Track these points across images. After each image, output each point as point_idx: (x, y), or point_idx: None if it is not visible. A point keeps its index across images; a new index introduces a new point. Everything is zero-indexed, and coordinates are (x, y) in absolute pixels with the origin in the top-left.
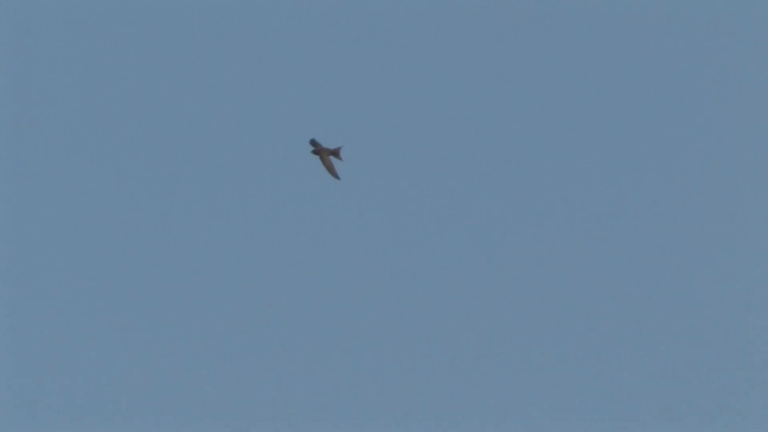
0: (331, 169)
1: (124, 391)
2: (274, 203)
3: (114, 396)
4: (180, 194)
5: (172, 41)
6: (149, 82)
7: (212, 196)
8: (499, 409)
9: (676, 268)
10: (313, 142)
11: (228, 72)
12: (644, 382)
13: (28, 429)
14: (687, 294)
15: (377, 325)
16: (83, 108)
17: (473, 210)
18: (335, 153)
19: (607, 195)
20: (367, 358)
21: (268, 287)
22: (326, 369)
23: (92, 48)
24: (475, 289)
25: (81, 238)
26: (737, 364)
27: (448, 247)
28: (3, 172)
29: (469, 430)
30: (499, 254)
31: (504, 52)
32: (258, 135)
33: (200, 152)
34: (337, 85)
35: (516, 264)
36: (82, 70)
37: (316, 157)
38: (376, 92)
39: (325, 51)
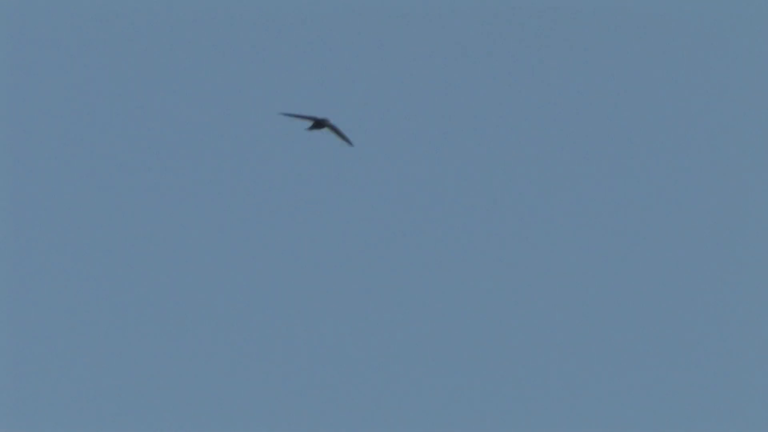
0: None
1: (123, 390)
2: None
3: (113, 396)
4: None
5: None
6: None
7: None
8: (498, 410)
9: (675, 268)
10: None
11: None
12: (643, 383)
13: (28, 429)
14: (686, 295)
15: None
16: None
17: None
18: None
19: (606, 195)
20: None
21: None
22: (325, 369)
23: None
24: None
25: (80, 238)
26: (737, 364)
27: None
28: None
29: (468, 430)
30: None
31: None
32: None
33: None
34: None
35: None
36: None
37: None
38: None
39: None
